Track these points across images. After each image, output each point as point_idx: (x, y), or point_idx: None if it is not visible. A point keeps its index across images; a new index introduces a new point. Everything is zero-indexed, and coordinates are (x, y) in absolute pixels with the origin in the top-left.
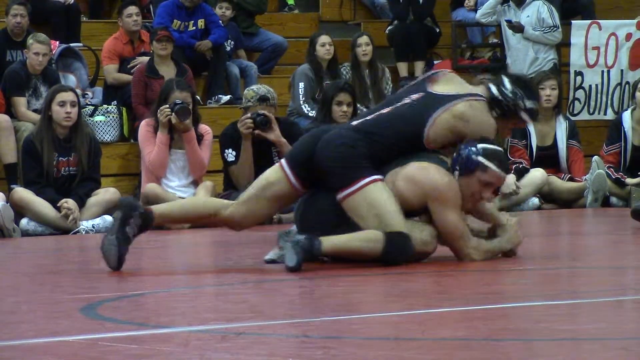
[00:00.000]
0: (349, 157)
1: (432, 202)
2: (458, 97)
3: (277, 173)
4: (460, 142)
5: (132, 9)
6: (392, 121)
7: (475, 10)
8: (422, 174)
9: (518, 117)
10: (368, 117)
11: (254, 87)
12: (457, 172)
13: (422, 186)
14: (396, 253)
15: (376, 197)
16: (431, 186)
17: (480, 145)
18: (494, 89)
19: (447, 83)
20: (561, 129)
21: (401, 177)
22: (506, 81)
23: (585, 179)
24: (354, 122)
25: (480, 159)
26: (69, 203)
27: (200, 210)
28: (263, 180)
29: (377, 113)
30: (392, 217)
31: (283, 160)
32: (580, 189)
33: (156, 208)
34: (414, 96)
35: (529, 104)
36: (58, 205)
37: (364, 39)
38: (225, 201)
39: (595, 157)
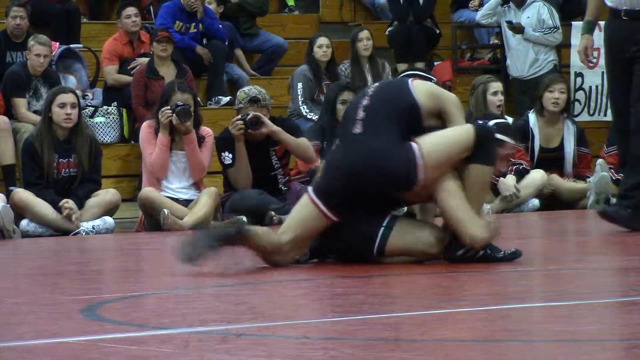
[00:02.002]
0: (390, 161)
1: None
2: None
3: (307, 208)
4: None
5: (131, 10)
6: (383, 107)
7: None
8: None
9: None
10: (358, 117)
11: (246, 88)
12: None
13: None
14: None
15: (435, 140)
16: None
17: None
18: None
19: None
20: (569, 133)
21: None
22: None
23: (589, 181)
24: (356, 131)
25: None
26: (69, 203)
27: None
28: (297, 220)
29: (362, 112)
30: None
31: (312, 194)
32: (582, 190)
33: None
34: (370, 91)
35: None
36: (59, 205)
37: (364, 34)
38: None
39: (600, 160)
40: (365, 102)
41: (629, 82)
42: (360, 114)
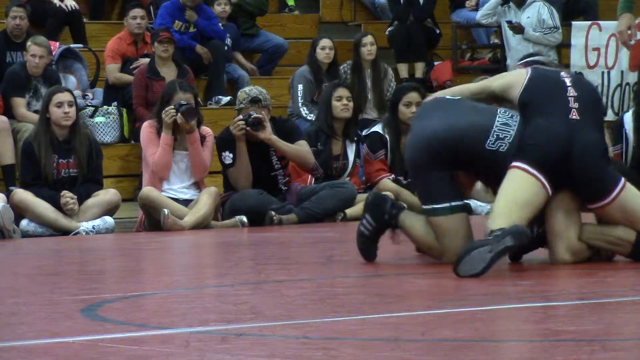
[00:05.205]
0: (604, 170)
1: None
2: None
3: (529, 182)
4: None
5: (137, 12)
6: (590, 104)
7: (477, 10)
8: None
9: None
10: (571, 106)
11: (246, 89)
12: None
13: None
14: None
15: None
16: None
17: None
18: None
19: None
20: None
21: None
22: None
23: None
24: (573, 117)
25: None
26: (69, 193)
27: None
28: (521, 202)
29: (574, 101)
30: None
31: (528, 167)
32: None
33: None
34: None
35: None
36: (60, 195)
37: (369, 39)
38: None
39: None
40: (572, 92)
41: None
42: (573, 103)
